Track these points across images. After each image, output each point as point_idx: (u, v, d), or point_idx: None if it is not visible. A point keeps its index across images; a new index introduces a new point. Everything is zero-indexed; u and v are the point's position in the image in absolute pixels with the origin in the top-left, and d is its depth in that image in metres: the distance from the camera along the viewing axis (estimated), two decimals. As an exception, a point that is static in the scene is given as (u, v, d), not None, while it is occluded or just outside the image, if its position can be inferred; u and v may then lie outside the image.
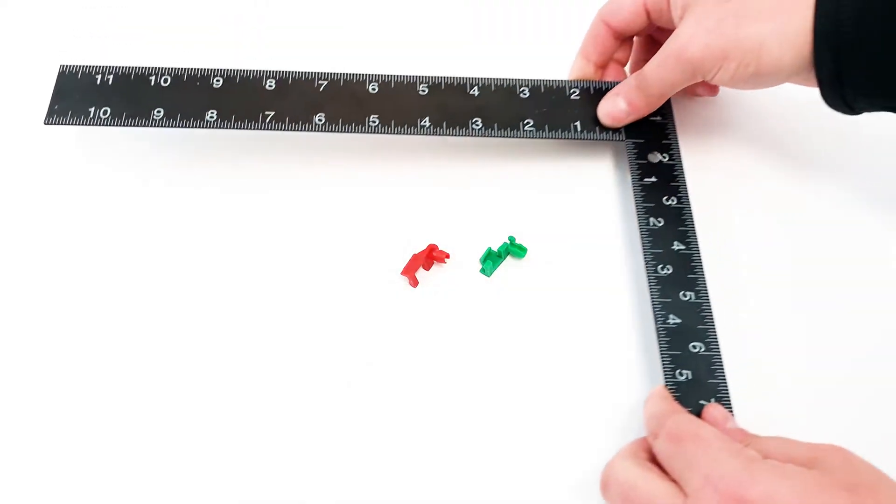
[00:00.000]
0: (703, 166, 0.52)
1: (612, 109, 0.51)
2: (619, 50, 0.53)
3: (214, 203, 0.51)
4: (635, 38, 0.54)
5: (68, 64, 0.52)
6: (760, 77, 0.46)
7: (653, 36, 0.53)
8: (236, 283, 0.48)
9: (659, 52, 0.48)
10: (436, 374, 0.46)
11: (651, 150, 0.51)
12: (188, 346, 0.46)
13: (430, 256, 0.49)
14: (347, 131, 0.51)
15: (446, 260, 0.50)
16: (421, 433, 0.44)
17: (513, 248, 0.50)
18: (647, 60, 0.50)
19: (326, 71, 0.53)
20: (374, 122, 0.51)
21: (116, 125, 0.50)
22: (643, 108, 0.50)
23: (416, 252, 0.50)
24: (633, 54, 0.54)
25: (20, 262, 0.48)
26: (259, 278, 0.48)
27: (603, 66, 0.53)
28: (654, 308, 0.46)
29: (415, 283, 0.49)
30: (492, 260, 0.50)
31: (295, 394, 0.45)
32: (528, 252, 0.50)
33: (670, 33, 0.48)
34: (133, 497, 0.42)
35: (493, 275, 0.49)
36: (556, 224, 0.51)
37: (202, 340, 0.46)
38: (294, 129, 0.51)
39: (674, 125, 0.52)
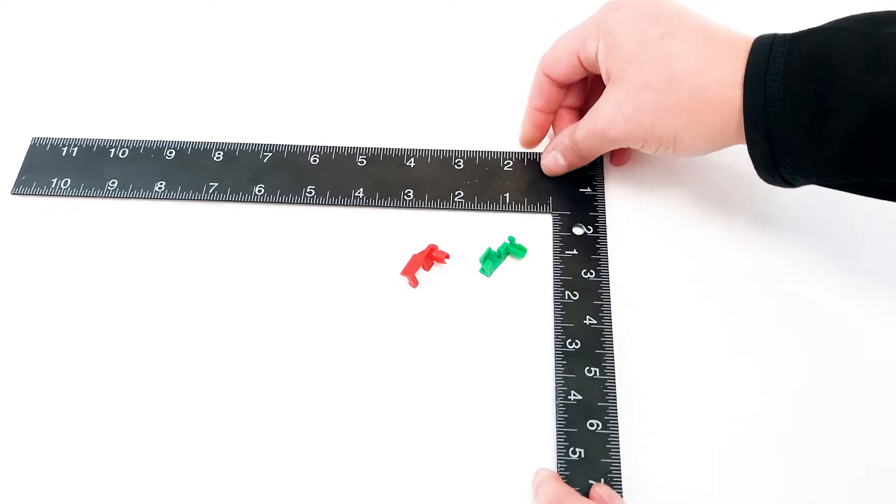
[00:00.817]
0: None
1: (552, 164, 0.53)
2: (568, 95, 0.54)
3: (216, 203, 0.54)
4: (588, 79, 0.54)
5: (40, 136, 0.57)
6: (679, 156, 0.47)
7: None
8: (238, 284, 0.51)
9: (586, 122, 0.49)
10: (435, 374, 0.48)
11: (576, 222, 0.52)
12: (194, 349, 0.49)
13: (430, 256, 0.51)
14: (284, 202, 0.53)
15: (446, 260, 0.51)
16: (419, 431, 0.46)
17: (513, 248, 0.51)
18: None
19: (272, 143, 0.56)
20: (310, 192, 0.54)
21: (75, 196, 0.54)
22: (579, 164, 0.52)
23: (416, 252, 0.51)
24: (588, 95, 0.54)
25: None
26: (261, 279, 0.51)
27: (553, 113, 0.54)
28: (556, 384, 0.46)
29: (415, 283, 0.51)
30: (492, 260, 0.51)
31: (295, 393, 0.47)
32: (527, 252, 0.51)
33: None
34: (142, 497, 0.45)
35: (493, 275, 0.51)
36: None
37: (206, 343, 0.49)
38: (234, 201, 0.54)
39: (603, 196, 0.53)
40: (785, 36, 0.43)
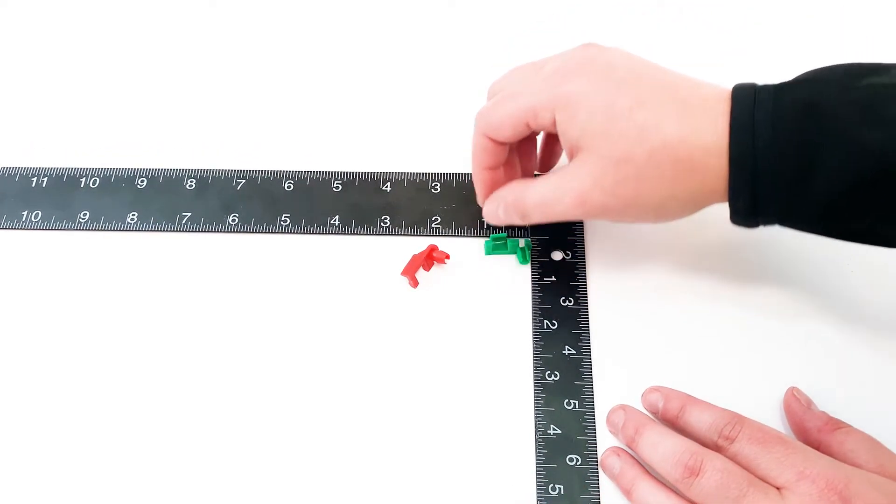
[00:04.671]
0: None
1: (491, 216, 0.49)
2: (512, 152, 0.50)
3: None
4: (540, 135, 0.52)
5: (8, 166, 0.56)
6: (657, 223, 0.47)
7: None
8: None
9: (543, 191, 0.46)
10: (435, 374, 0.48)
11: (555, 247, 0.52)
12: (198, 351, 0.49)
13: (430, 257, 0.51)
14: (258, 231, 0.53)
15: (446, 260, 0.51)
16: (419, 432, 0.46)
17: (520, 250, 0.51)
18: (552, 153, 0.51)
19: (245, 168, 0.55)
20: (285, 221, 0.53)
21: (45, 229, 0.53)
22: (520, 224, 0.49)
23: (416, 252, 0.51)
24: (539, 150, 0.52)
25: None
26: (261, 278, 0.51)
27: (501, 166, 0.49)
28: (535, 417, 0.46)
29: (415, 283, 0.51)
30: (496, 243, 0.51)
31: (295, 394, 0.47)
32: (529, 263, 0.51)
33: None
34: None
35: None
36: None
37: (210, 344, 0.49)
38: (207, 231, 0.53)
39: (582, 221, 0.52)
40: (766, 87, 0.42)
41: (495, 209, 0.49)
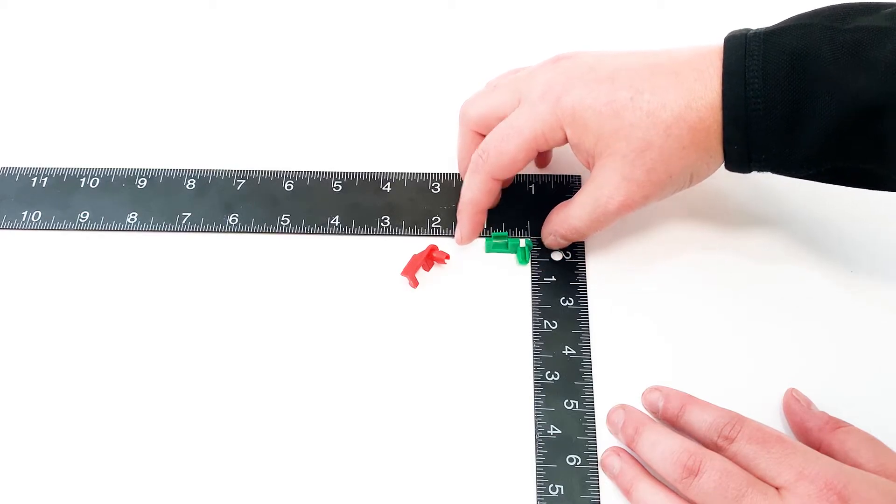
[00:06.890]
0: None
1: (554, 244, 0.51)
2: None
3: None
4: None
5: (8, 166, 0.56)
6: (697, 184, 0.48)
7: None
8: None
9: (584, 208, 0.47)
10: (435, 375, 0.48)
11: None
12: (198, 351, 0.49)
13: (430, 257, 0.51)
14: (258, 231, 0.53)
15: (446, 260, 0.51)
16: (419, 432, 0.46)
17: (520, 250, 0.51)
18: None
19: (245, 168, 0.55)
20: (285, 221, 0.53)
21: (45, 229, 0.53)
22: (581, 238, 0.51)
23: (416, 252, 0.51)
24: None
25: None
26: (261, 278, 0.51)
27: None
28: (535, 417, 0.46)
29: (415, 283, 0.51)
30: (497, 241, 0.52)
31: (295, 394, 0.47)
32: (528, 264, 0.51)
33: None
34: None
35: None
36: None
37: (210, 344, 0.49)
38: (207, 231, 0.53)
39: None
40: (757, 33, 0.43)
41: (554, 240, 0.51)
